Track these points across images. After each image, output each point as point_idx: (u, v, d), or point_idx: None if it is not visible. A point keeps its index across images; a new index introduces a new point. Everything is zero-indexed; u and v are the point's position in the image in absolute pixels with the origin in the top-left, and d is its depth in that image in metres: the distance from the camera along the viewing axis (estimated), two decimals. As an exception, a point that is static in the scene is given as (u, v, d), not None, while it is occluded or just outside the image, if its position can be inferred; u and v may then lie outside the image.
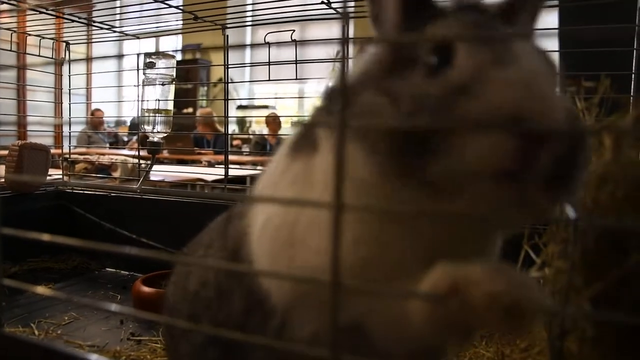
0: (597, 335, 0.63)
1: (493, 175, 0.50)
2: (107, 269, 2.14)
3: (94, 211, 2.22)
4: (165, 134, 2.20)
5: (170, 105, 2.19)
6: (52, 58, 2.39)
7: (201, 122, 6.09)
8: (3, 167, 2.13)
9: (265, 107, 8.64)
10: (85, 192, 2.31)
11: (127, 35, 2.41)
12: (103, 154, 5.15)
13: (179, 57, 7.99)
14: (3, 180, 2.09)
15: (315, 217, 0.61)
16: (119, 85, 6.34)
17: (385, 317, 0.59)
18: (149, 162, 2.27)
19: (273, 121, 6.42)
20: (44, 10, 2.04)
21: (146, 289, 1.59)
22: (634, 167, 0.68)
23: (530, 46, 0.56)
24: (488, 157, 0.50)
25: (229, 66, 2.15)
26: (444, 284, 0.50)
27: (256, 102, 9.60)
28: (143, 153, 2.43)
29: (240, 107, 9.18)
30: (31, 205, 2.16)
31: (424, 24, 0.59)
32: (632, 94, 1.40)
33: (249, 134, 6.15)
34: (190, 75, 8.53)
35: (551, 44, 1.52)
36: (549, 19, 1.98)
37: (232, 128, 7.94)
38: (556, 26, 1.77)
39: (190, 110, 8.23)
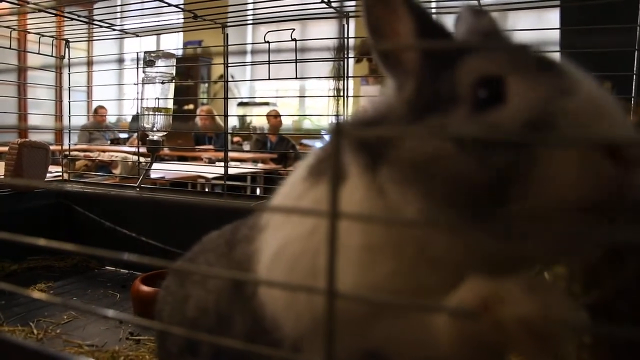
0: (594, 342, 0.62)
1: (580, 209, 0.47)
2: (107, 267, 2.14)
3: (93, 209, 2.22)
4: (165, 132, 2.20)
5: (170, 104, 2.19)
6: (52, 56, 2.39)
7: (203, 128, 6.06)
8: (3, 164, 2.13)
9: (266, 104, 8.63)
10: (85, 190, 2.30)
11: (127, 33, 2.41)
12: (103, 151, 5.15)
13: (179, 54, 8.00)
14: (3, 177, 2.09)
15: (347, 243, 0.54)
16: (119, 83, 6.34)
17: (409, 339, 0.55)
18: (149, 159, 2.27)
19: (274, 118, 6.41)
20: (44, 9, 2.04)
21: (145, 288, 1.58)
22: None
23: (578, 71, 0.54)
24: (580, 187, 0.47)
25: (229, 65, 2.15)
26: (473, 300, 0.47)
27: (257, 100, 9.60)
28: (143, 151, 2.43)
29: (241, 104, 9.18)
30: (31, 203, 2.16)
31: (452, 59, 0.55)
32: (632, 95, 1.39)
33: (250, 132, 6.14)
34: (191, 72, 8.51)
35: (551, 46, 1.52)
36: (550, 16, 1.98)
37: (233, 124, 7.92)
38: (558, 25, 1.77)
39: (191, 107, 8.22)
